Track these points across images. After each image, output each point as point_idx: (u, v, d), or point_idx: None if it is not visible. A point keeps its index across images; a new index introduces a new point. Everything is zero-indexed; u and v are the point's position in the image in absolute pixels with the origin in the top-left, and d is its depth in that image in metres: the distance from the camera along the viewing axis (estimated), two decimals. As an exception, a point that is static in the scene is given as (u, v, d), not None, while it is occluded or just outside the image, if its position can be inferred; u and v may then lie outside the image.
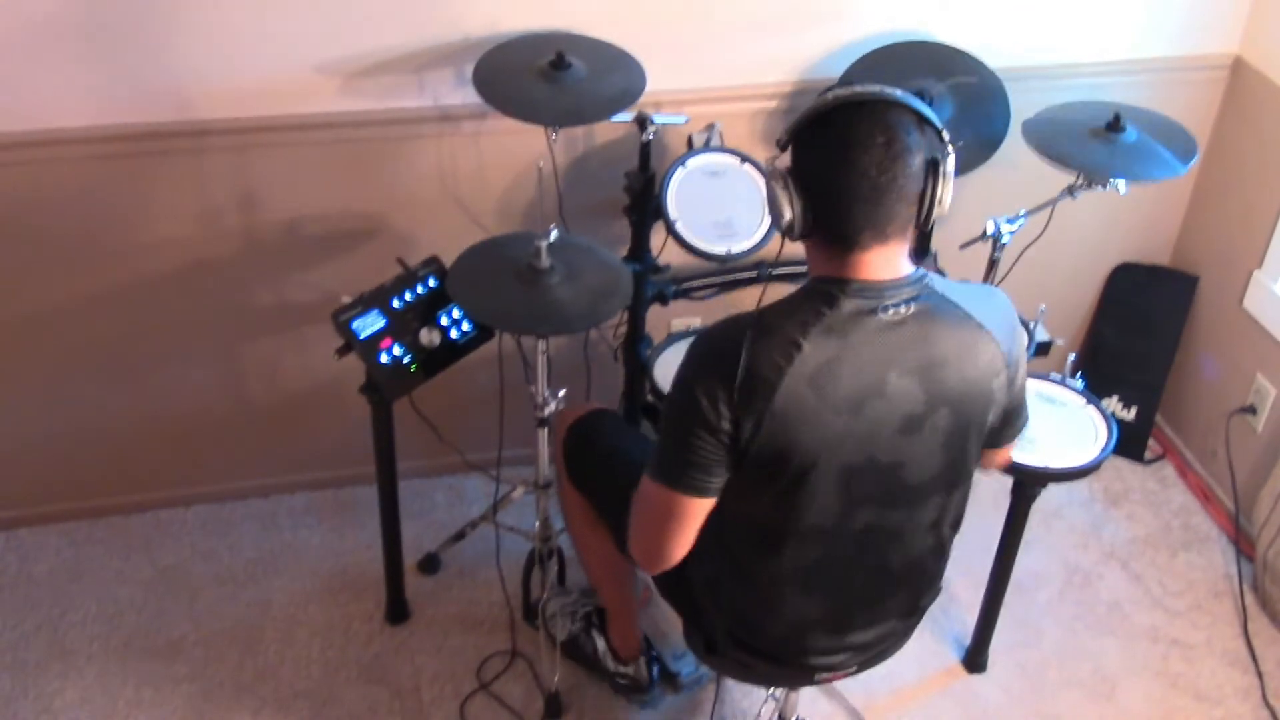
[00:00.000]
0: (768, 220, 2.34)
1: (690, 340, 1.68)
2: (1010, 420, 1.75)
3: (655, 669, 2.38)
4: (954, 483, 1.70)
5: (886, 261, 1.56)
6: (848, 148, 1.51)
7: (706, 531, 1.69)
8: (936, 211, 1.56)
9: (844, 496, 1.63)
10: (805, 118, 1.55)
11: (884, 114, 1.51)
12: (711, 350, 1.60)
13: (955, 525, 1.79)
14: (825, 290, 1.56)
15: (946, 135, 1.57)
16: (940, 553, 1.82)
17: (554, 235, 2.07)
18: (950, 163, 1.56)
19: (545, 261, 2.06)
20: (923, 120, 1.54)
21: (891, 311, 1.56)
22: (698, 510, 1.65)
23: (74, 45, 2.19)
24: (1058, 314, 2.96)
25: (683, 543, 1.69)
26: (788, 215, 1.56)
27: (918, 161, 1.52)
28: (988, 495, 2.32)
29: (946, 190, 1.55)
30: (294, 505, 2.83)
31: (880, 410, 1.57)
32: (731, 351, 1.54)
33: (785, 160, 1.59)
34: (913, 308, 1.57)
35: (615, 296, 2.09)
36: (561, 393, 2.26)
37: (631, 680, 2.38)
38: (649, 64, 2.27)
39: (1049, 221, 2.48)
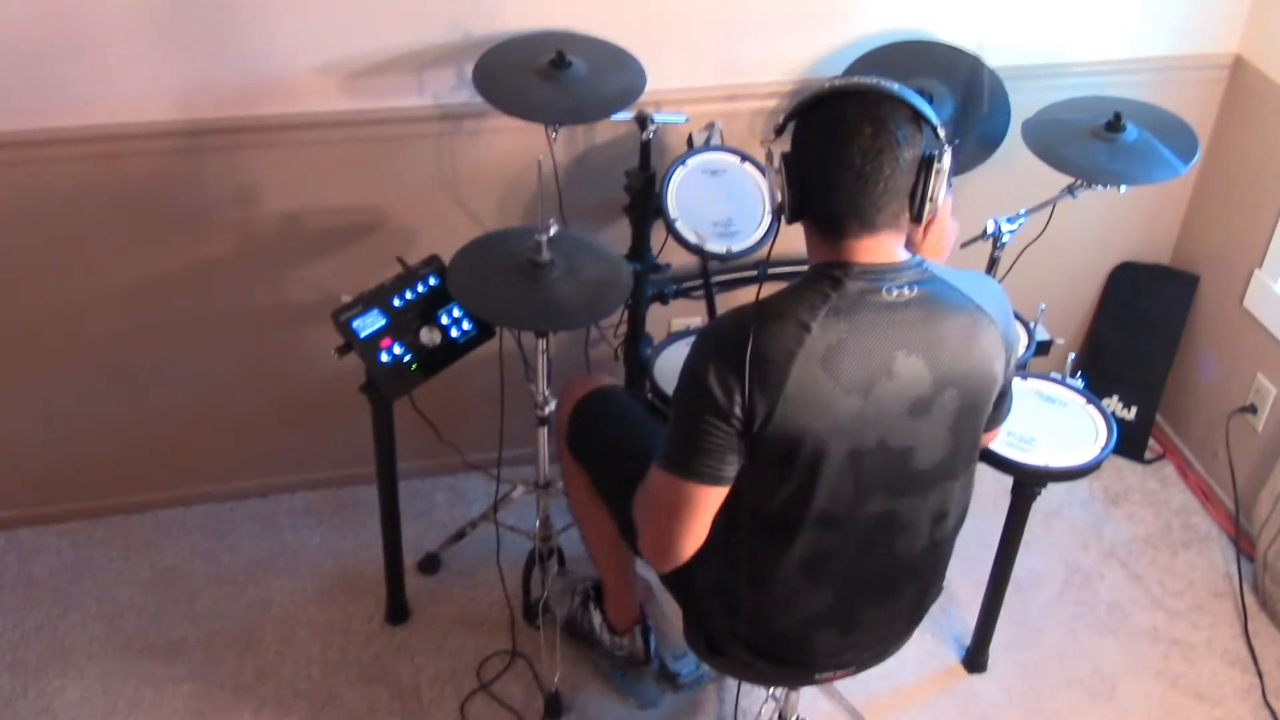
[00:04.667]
0: (768, 219, 2.34)
1: (692, 339, 1.68)
2: (999, 403, 1.76)
3: (652, 640, 2.36)
4: (959, 469, 1.71)
5: (879, 249, 1.58)
6: (834, 136, 1.53)
7: (714, 531, 1.68)
8: (929, 208, 1.57)
9: (855, 482, 1.63)
10: (800, 104, 1.58)
11: (875, 105, 1.53)
12: (720, 337, 1.60)
13: (959, 520, 1.79)
14: (829, 274, 1.58)
15: (943, 132, 1.57)
16: (944, 548, 1.82)
17: (554, 229, 2.07)
18: (946, 159, 1.56)
19: (546, 255, 2.06)
20: (917, 115, 1.54)
21: (895, 292, 1.57)
22: (710, 501, 1.64)
23: (72, 46, 2.19)
24: (1058, 313, 2.96)
25: (694, 537, 1.68)
26: (779, 199, 1.60)
27: (907, 156, 1.53)
28: (988, 495, 2.31)
29: (940, 186, 1.56)
30: (294, 505, 2.83)
31: (890, 392, 1.57)
32: (740, 337, 1.54)
33: (786, 144, 1.60)
34: (916, 290, 1.58)
35: (615, 290, 2.09)
36: (561, 392, 2.26)
37: (628, 653, 2.37)
38: (649, 63, 2.27)
39: (1049, 221, 2.49)
